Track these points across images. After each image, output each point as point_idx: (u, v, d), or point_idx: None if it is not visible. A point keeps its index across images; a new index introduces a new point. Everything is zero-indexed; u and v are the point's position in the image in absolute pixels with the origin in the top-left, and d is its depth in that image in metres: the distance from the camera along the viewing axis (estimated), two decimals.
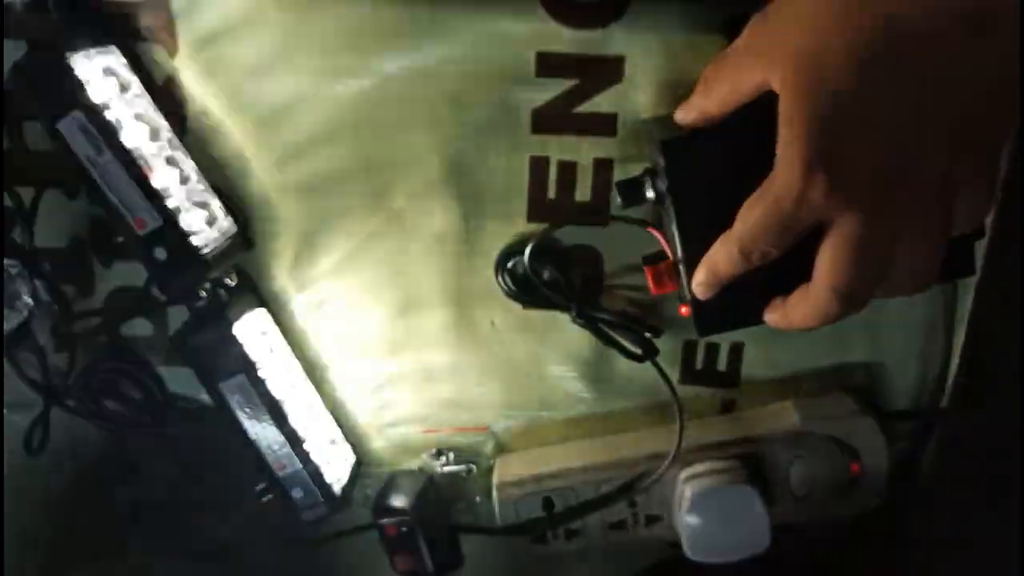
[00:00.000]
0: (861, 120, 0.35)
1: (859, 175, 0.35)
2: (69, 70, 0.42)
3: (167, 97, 0.47)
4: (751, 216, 0.38)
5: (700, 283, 0.42)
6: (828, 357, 0.52)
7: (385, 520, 0.53)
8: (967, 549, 0.53)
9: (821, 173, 0.35)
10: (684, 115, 0.42)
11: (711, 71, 0.41)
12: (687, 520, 0.49)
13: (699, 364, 0.52)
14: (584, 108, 0.46)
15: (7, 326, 0.51)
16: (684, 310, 0.45)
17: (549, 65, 0.46)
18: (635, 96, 0.46)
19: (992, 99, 0.35)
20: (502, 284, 0.50)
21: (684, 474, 0.51)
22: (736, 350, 0.52)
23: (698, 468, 0.50)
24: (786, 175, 0.36)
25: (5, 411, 0.55)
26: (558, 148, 0.48)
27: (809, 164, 0.35)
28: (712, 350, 0.52)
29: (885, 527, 0.54)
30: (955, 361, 0.51)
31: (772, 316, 0.42)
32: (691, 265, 0.43)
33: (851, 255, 0.36)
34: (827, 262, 0.37)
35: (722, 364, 0.52)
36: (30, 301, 0.50)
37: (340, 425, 0.55)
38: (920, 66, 0.34)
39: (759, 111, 0.39)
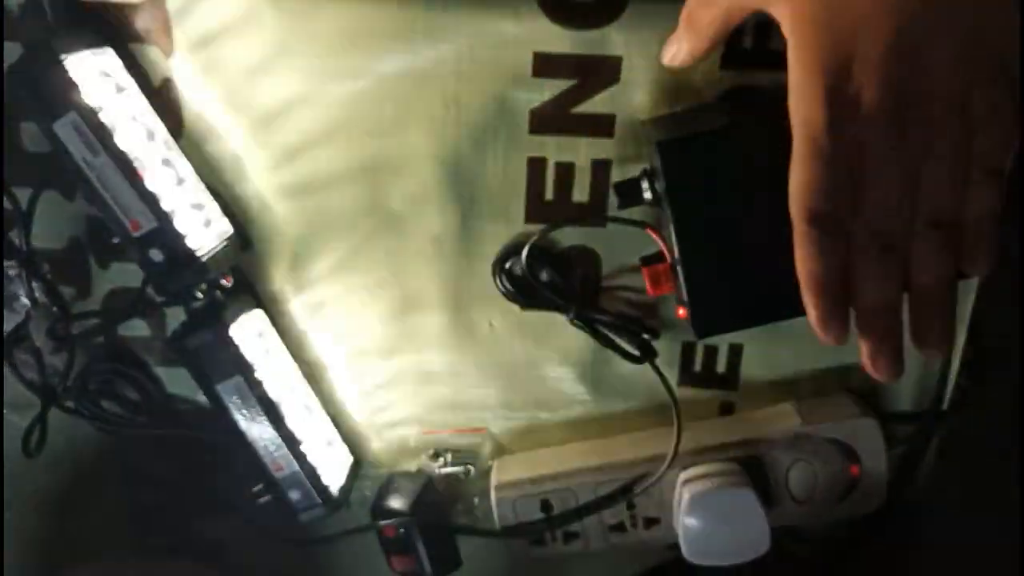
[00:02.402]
0: (876, 43, 0.33)
1: (873, 93, 0.34)
2: (64, 72, 0.42)
3: (163, 98, 0.47)
4: (798, 177, 0.35)
5: (815, 311, 0.37)
6: (828, 358, 0.52)
7: (383, 521, 0.53)
8: (968, 552, 0.53)
9: (840, 94, 0.34)
10: (671, 57, 0.41)
11: (694, 9, 0.39)
12: (686, 523, 0.49)
13: (698, 366, 0.52)
14: (582, 108, 0.46)
15: (5, 327, 0.52)
16: (681, 312, 0.45)
17: (547, 65, 0.45)
18: (633, 97, 0.46)
19: (1014, 21, 0.33)
20: (500, 285, 0.50)
21: (683, 476, 0.50)
22: (735, 351, 0.52)
23: (697, 471, 0.50)
24: (807, 112, 0.35)
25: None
26: (556, 149, 0.47)
27: (827, 89, 0.34)
28: (711, 352, 0.52)
29: (886, 530, 0.54)
30: (956, 362, 0.50)
31: None
32: (688, 266, 0.43)
33: (880, 171, 0.35)
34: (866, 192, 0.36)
35: (721, 366, 0.52)
36: (27, 302, 0.50)
37: (338, 426, 0.55)
38: None
39: (756, 111, 0.39)
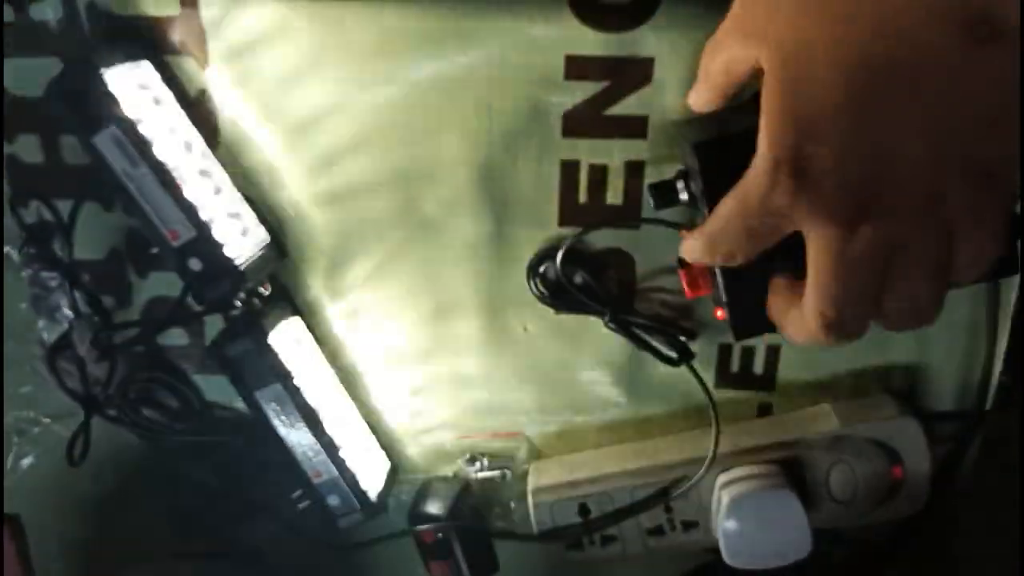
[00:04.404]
0: (838, 125, 0.32)
1: (830, 183, 0.32)
2: (103, 85, 0.43)
3: (199, 109, 0.47)
4: (721, 208, 0.36)
5: (688, 251, 0.40)
6: (868, 358, 0.51)
7: (421, 527, 0.53)
8: (1011, 553, 0.52)
9: (788, 175, 0.32)
10: (694, 102, 0.41)
11: (705, 56, 0.38)
12: (726, 526, 0.48)
13: (735, 367, 0.52)
14: (614, 110, 0.46)
15: (48, 337, 0.52)
16: (720, 313, 0.45)
17: (578, 68, 0.45)
18: (665, 98, 0.45)
19: (991, 119, 0.31)
20: (534, 289, 0.50)
21: (721, 479, 0.50)
22: (773, 352, 0.51)
23: (736, 473, 0.50)
24: (756, 171, 0.34)
25: (47, 421, 0.56)
26: (589, 151, 0.47)
27: (777, 162, 0.32)
28: (748, 353, 0.51)
29: (927, 531, 0.53)
30: (999, 361, 0.50)
31: (782, 325, 0.39)
32: (726, 268, 0.42)
33: (828, 274, 0.33)
34: (810, 279, 0.34)
35: (759, 367, 0.52)
36: (70, 312, 0.51)
37: (375, 432, 0.55)
38: (912, 74, 0.31)
39: None
